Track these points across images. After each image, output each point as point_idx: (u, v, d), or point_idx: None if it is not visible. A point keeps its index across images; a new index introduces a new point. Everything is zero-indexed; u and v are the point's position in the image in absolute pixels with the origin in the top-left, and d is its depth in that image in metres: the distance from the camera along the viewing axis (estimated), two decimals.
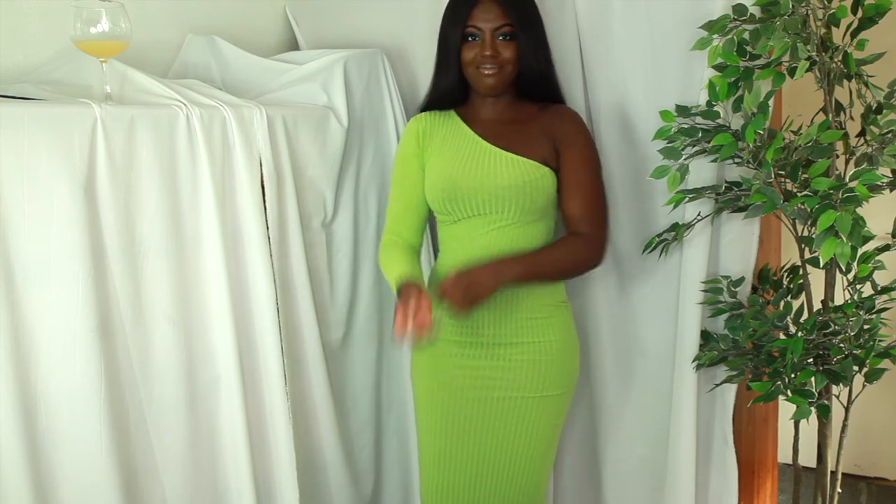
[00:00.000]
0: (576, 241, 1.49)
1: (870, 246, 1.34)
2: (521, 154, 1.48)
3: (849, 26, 1.36)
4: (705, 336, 1.59)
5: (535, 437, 1.51)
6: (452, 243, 1.55)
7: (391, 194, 1.61)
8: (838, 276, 1.43)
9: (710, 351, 1.54)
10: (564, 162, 1.50)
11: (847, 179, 1.29)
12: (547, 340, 1.51)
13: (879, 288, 1.41)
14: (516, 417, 1.50)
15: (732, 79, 1.37)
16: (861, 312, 1.35)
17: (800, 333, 1.37)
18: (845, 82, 1.36)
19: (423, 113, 1.61)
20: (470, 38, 1.47)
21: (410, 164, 1.57)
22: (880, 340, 1.35)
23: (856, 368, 1.36)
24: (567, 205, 1.50)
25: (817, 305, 1.45)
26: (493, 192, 1.46)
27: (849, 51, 1.33)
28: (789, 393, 1.36)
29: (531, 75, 1.51)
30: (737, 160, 1.41)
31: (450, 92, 1.55)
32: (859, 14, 1.34)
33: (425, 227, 1.64)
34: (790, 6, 1.29)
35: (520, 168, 1.47)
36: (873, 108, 1.39)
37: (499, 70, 1.46)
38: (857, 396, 1.45)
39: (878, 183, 1.31)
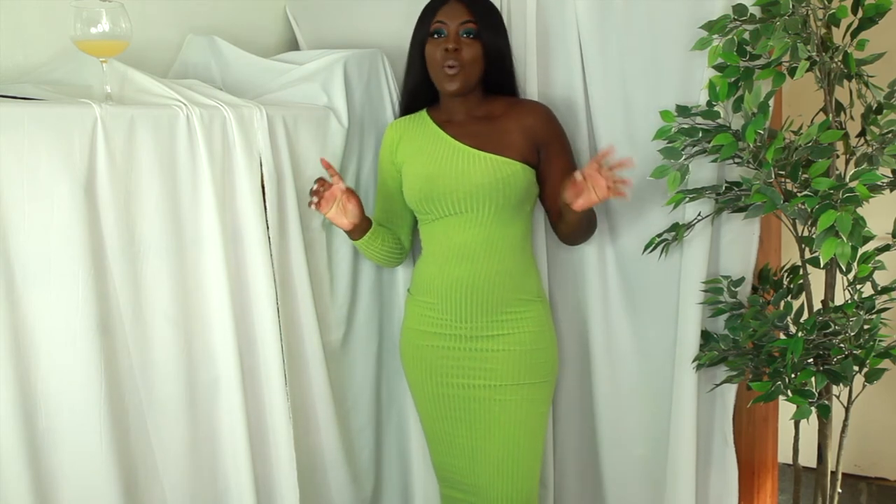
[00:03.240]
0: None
1: (870, 246, 1.34)
2: (493, 152, 1.55)
3: (849, 26, 1.36)
4: (705, 336, 1.59)
5: (519, 425, 1.57)
6: (432, 241, 1.62)
7: (376, 197, 1.71)
8: (838, 276, 1.43)
9: (711, 351, 1.54)
10: (549, 156, 1.59)
11: (847, 179, 1.29)
12: (521, 332, 1.58)
13: (879, 288, 1.41)
14: (499, 405, 1.57)
15: (732, 79, 1.37)
16: (861, 312, 1.35)
17: (800, 333, 1.37)
18: (845, 82, 1.37)
19: (397, 120, 1.70)
20: (436, 35, 1.54)
21: (387, 171, 1.67)
22: (880, 340, 1.35)
23: (856, 368, 1.36)
24: (555, 192, 1.58)
25: (817, 305, 1.45)
26: (468, 190, 1.53)
27: (849, 51, 1.33)
28: (789, 393, 1.36)
29: (497, 73, 1.58)
30: (737, 160, 1.41)
31: (416, 89, 1.63)
32: (859, 14, 1.34)
33: (412, 227, 1.72)
34: (790, 6, 1.29)
35: (493, 166, 1.53)
36: (873, 108, 1.39)
37: (460, 70, 1.52)
38: (857, 396, 1.45)
39: (879, 183, 1.31)
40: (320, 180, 1.51)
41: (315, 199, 1.50)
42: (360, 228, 1.58)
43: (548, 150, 1.59)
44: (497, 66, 1.58)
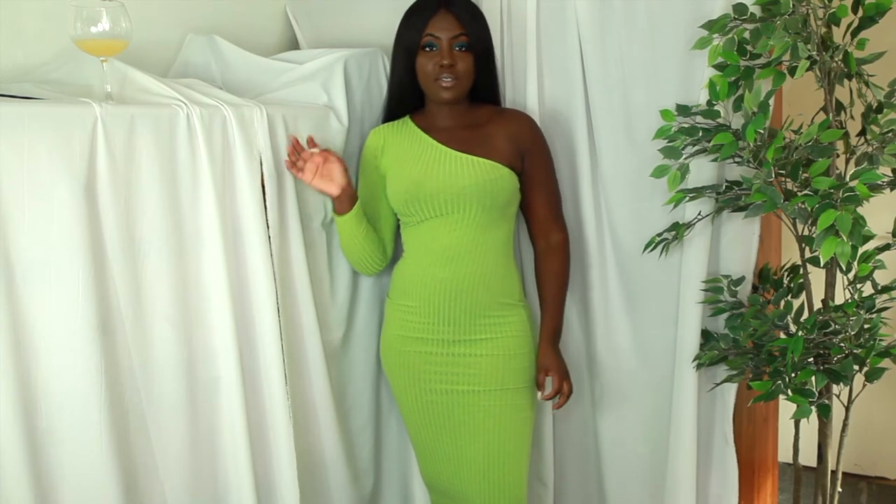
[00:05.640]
0: (560, 258, 1.66)
1: (870, 245, 1.33)
2: (479, 155, 1.57)
3: (849, 25, 1.36)
4: (706, 335, 1.59)
5: (504, 430, 1.58)
6: (416, 244, 1.63)
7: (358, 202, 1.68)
8: (839, 275, 1.43)
9: (711, 350, 1.54)
10: (529, 165, 1.62)
11: (847, 179, 1.29)
12: (503, 336, 1.59)
13: (880, 287, 1.41)
14: (483, 411, 1.58)
15: (733, 78, 1.37)
16: (861, 312, 1.35)
17: (800, 333, 1.37)
18: (846, 81, 1.37)
19: (380, 126, 1.70)
20: (427, 48, 1.55)
21: (370, 176, 1.67)
22: (880, 340, 1.35)
23: (856, 368, 1.36)
24: (533, 203, 1.64)
25: (818, 305, 1.45)
26: (454, 192, 1.55)
27: (849, 50, 1.33)
28: (790, 392, 1.36)
29: (484, 80, 1.60)
30: (737, 159, 1.41)
31: (402, 95, 1.64)
32: (860, 13, 1.34)
33: (394, 233, 1.72)
34: (791, 5, 1.29)
35: (479, 168, 1.55)
36: (874, 107, 1.39)
37: (455, 82, 1.54)
38: (857, 396, 1.45)
39: (879, 182, 1.31)
40: (293, 144, 1.50)
41: (294, 164, 1.50)
42: (348, 196, 1.57)
43: (531, 157, 1.61)
44: (485, 74, 1.60)
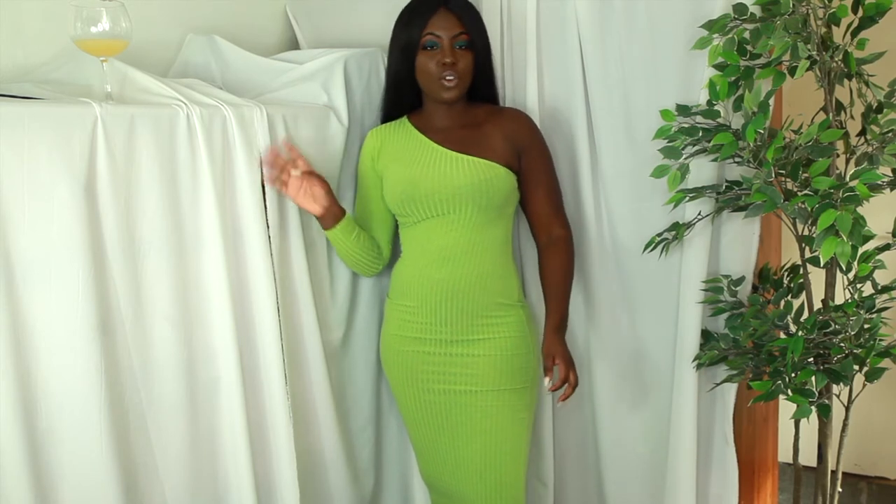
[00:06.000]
0: (563, 251, 1.62)
1: (870, 245, 1.33)
2: (476, 155, 1.57)
3: (849, 25, 1.36)
4: (706, 335, 1.59)
5: (501, 431, 1.58)
6: (413, 244, 1.63)
7: (355, 203, 1.70)
8: (839, 275, 1.43)
9: (711, 350, 1.54)
10: (527, 163, 1.61)
11: (847, 179, 1.29)
12: (501, 337, 1.59)
13: (880, 287, 1.41)
14: (480, 411, 1.58)
15: (733, 78, 1.37)
16: (861, 312, 1.35)
17: (800, 333, 1.37)
18: (846, 81, 1.37)
19: (377, 128, 1.69)
20: (428, 47, 1.54)
21: (367, 178, 1.67)
22: (881, 340, 1.35)
23: (856, 368, 1.36)
24: (533, 200, 1.63)
25: (818, 305, 1.45)
26: (450, 192, 1.54)
27: (849, 50, 1.33)
28: (790, 392, 1.36)
29: (483, 79, 1.61)
30: (737, 159, 1.41)
31: (400, 95, 1.64)
32: (860, 13, 1.35)
33: (391, 235, 1.71)
34: (791, 5, 1.29)
35: (475, 168, 1.55)
36: (874, 107, 1.39)
37: (458, 81, 1.54)
38: (857, 396, 1.45)
39: (879, 182, 1.31)
40: (274, 155, 1.44)
41: (278, 178, 1.44)
42: (331, 214, 1.55)
43: (529, 155, 1.61)
44: (484, 73, 1.60)
